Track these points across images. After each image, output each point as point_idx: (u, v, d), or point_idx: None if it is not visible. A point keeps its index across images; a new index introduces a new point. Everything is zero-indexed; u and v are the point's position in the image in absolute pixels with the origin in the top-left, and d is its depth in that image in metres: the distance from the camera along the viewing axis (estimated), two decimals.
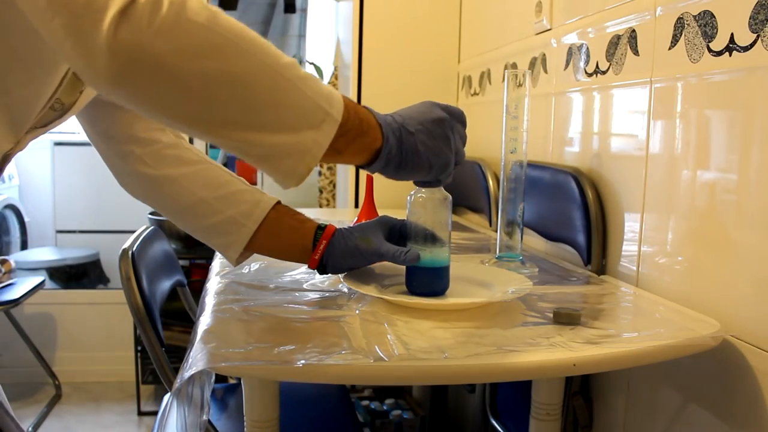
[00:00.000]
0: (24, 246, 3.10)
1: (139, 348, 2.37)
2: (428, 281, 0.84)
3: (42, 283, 2.41)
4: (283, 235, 0.88)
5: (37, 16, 0.54)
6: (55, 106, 0.73)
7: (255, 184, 2.86)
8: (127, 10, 0.52)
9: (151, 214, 2.40)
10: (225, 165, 3.14)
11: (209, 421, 1.09)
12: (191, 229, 0.89)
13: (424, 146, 0.71)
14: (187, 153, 0.89)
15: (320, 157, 0.63)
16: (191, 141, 2.79)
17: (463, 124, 0.76)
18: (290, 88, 0.61)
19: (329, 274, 0.90)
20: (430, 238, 0.83)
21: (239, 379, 1.18)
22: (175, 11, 0.54)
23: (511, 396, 1.33)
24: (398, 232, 0.88)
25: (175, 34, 0.54)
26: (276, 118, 0.61)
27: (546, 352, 0.67)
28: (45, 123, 0.74)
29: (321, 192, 2.33)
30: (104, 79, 0.54)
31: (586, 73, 1.15)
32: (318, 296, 0.87)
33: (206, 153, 2.82)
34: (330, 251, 0.85)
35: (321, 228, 0.87)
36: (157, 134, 0.87)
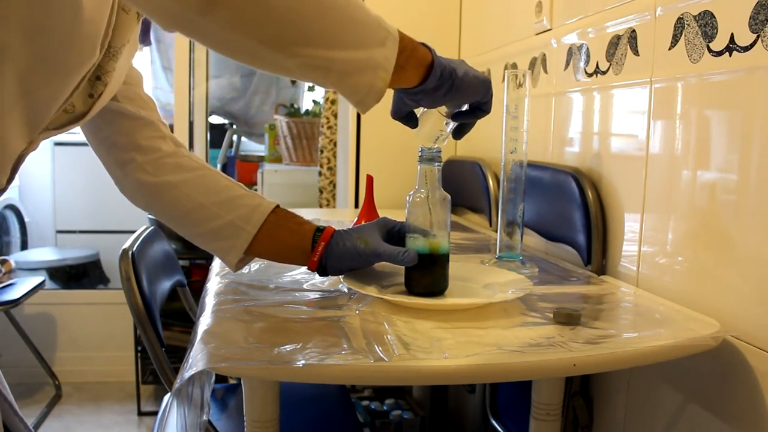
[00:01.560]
0: (24, 246, 3.10)
1: (139, 348, 2.37)
2: (427, 281, 0.84)
3: (42, 283, 2.41)
4: (282, 238, 0.88)
5: None
6: (68, 108, 0.73)
7: (255, 184, 2.86)
8: None
9: (151, 214, 2.40)
10: (224, 168, 3.12)
11: (209, 421, 1.09)
12: (191, 234, 0.89)
13: (461, 68, 0.75)
14: (186, 160, 0.90)
15: (392, 72, 0.67)
16: (190, 148, 2.77)
17: None
18: (357, 8, 0.65)
19: (329, 276, 0.91)
20: (430, 238, 0.83)
21: (239, 379, 1.18)
22: None
23: (511, 396, 1.33)
24: (397, 234, 0.88)
25: None
26: (351, 34, 0.65)
27: (546, 352, 0.67)
28: (57, 126, 0.75)
29: (321, 192, 2.33)
30: (193, 8, 0.57)
31: (586, 73, 1.15)
32: (318, 296, 0.87)
33: (206, 160, 2.82)
34: (329, 253, 0.85)
35: (319, 230, 0.87)
36: (158, 142, 0.88)
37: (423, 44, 0.73)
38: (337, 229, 0.87)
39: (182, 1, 0.56)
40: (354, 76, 0.66)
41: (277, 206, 0.88)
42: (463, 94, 0.76)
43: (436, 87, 0.73)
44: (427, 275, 0.84)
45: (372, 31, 0.66)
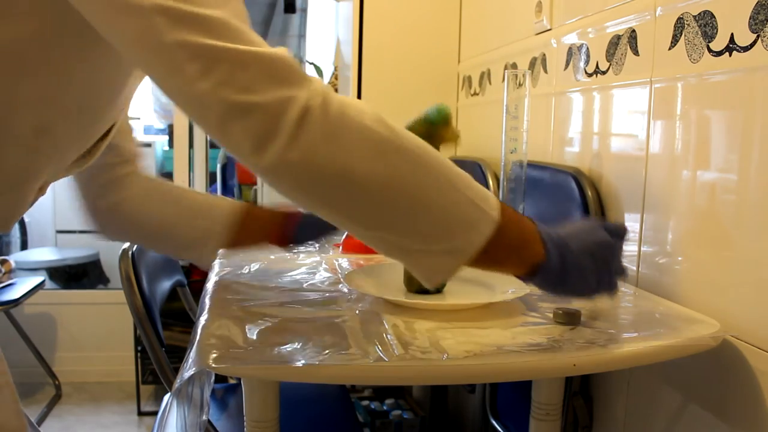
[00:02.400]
0: (24, 246, 3.10)
1: (139, 348, 2.37)
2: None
3: (42, 283, 2.41)
4: (252, 230, 0.92)
5: (210, 118, 0.56)
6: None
7: (255, 184, 2.86)
8: (303, 121, 0.54)
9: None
10: (224, 168, 3.11)
11: (209, 421, 1.09)
12: (165, 249, 0.93)
13: (585, 269, 0.67)
14: (145, 180, 0.92)
15: (472, 256, 0.61)
16: (190, 148, 2.73)
17: (623, 239, 0.72)
18: (449, 190, 0.60)
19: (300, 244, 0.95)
20: None
21: (239, 379, 1.18)
22: (341, 113, 0.56)
23: (511, 396, 1.33)
24: None
25: (344, 140, 0.56)
26: (433, 220, 0.60)
27: (546, 352, 0.67)
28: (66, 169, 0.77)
29: None
30: (275, 182, 0.58)
31: (586, 73, 1.15)
32: (318, 296, 0.87)
33: (206, 160, 2.81)
34: (299, 228, 0.91)
35: (286, 212, 0.92)
36: (122, 168, 0.90)
37: (543, 239, 0.65)
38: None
39: (267, 175, 0.57)
40: (426, 259, 0.62)
41: (244, 203, 0.92)
42: (568, 294, 0.70)
43: (537, 284, 0.68)
44: None
45: (462, 214, 0.60)
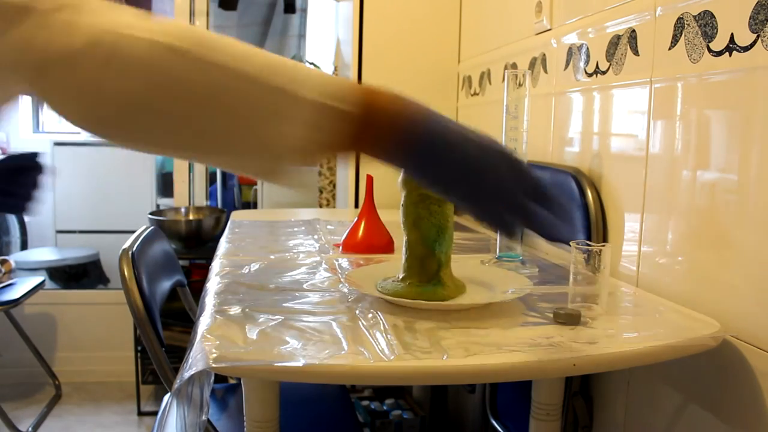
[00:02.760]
0: (24, 246, 3.10)
1: (139, 348, 2.37)
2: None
3: (42, 283, 2.41)
4: None
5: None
6: None
7: (255, 184, 2.85)
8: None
9: (151, 214, 2.40)
10: None
11: (209, 421, 1.09)
12: None
13: (469, 154, 0.56)
14: None
15: (308, 149, 0.54)
16: None
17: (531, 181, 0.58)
18: (245, 83, 0.53)
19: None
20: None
21: (239, 379, 1.18)
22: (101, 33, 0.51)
23: (511, 396, 1.33)
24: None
25: (116, 65, 0.51)
26: (239, 123, 0.54)
27: (546, 352, 0.67)
28: None
29: (321, 192, 2.33)
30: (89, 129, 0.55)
31: (586, 73, 1.15)
32: (318, 296, 0.87)
33: None
34: None
35: None
36: None
37: (406, 107, 0.55)
38: None
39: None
40: (270, 169, 0.57)
41: None
42: (456, 186, 0.57)
43: (413, 168, 0.57)
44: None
45: (263, 108, 0.53)
